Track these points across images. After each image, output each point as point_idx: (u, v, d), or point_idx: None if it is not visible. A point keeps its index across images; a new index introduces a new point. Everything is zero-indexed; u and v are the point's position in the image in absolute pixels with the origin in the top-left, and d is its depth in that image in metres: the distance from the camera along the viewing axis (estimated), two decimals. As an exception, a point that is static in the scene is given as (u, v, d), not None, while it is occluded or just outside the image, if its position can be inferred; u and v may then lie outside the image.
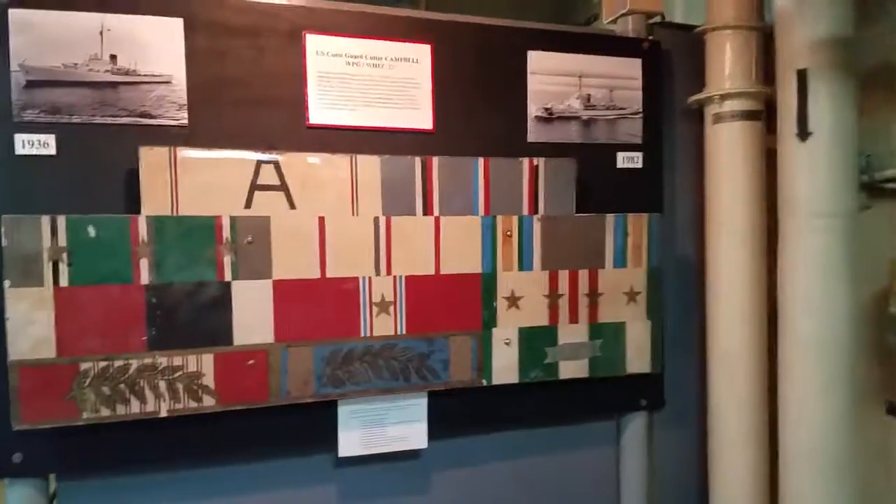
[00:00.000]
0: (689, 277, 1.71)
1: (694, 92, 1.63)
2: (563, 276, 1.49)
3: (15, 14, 1.16)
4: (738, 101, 1.55)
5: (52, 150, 1.19)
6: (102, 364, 1.16)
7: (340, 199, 1.31)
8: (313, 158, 1.30)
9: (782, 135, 1.44)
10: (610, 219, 1.52)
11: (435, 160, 1.38)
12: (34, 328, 1.12)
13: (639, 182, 1.63)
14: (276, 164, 1.27)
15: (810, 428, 1.39)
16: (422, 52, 1.44)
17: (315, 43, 1.36)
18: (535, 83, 1.54)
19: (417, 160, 1.37)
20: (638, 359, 1.56)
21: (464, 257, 1.40)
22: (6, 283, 1.10)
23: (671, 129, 1.69)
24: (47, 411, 1.13)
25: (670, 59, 1.69)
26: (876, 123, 1.50)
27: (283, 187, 1.28)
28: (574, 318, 1.50)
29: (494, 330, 1.43)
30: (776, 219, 1.55)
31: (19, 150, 1.17)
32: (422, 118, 1.44)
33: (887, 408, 1.48)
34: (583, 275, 1.50)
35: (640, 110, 1.62)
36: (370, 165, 1.33)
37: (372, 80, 1.40)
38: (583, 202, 1.51)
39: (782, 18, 1.41)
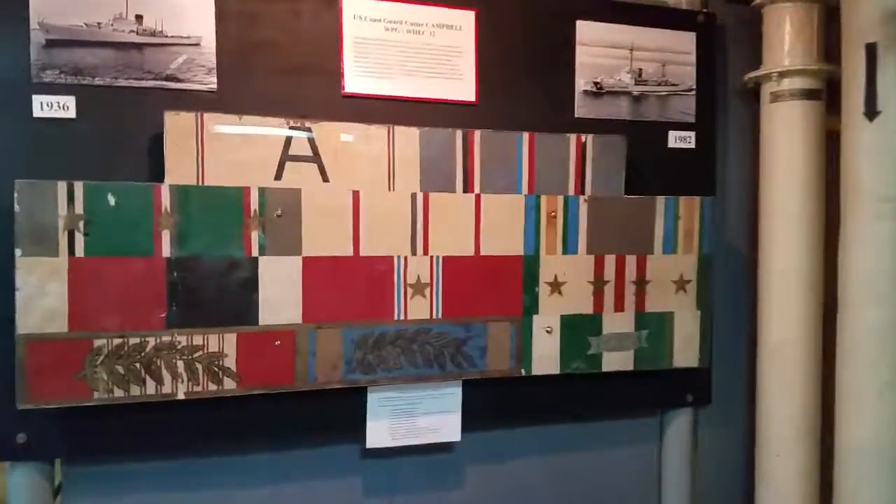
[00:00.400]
0: (740, 265, 1.52)
1: (749, 69, 1.44)
2: (610, 261, 1.31)
3: (33, -34, 1.02)
4: (797, 79, 1.36)
5: (72, 114, 1.05)
6: (117, 341, 1.02)
7: (376, 173, 1.15)
8: (348, 129, 1.14)
9: (847, 114, 1.24)
10: (660, 201, 1.33)
11: (477, 134, 1.21)
12: (46, 300, 0.98)
13: (691, 163, 1.44)
14: (309, 134, 1.11)
15: (872, 425, 1.19)
16: (465, 19, 1.27)
17: (352, 6, 1.20)
18: (583, 55, 1.35)
19: (459, 133, 1.20)
20: (685, 352, 1.38)
21: (505, 238, 1.23)
22: (17, 252, 0.96)
23: (725, 107, 1.50)
24: (56, 390, 0.99)
25: (725, 33, 1.49)
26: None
27: (315, 159, 1.12)
28: (620, 307, 1.32)
29: (535, 317, 1.26)
30: (834, 206, 1.37)
31: (37, 113, 1.03)
32: (464, 89, 1.27)
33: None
34: (630, 260, 1.32)
35: (694, 87, 1.43)
36: (409, 138, 1.17)
37: (412, 48, 1.23)
38: (631, 183, 1.33)
39: (851, -13, 1.21)
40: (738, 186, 1.51)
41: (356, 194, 1.14)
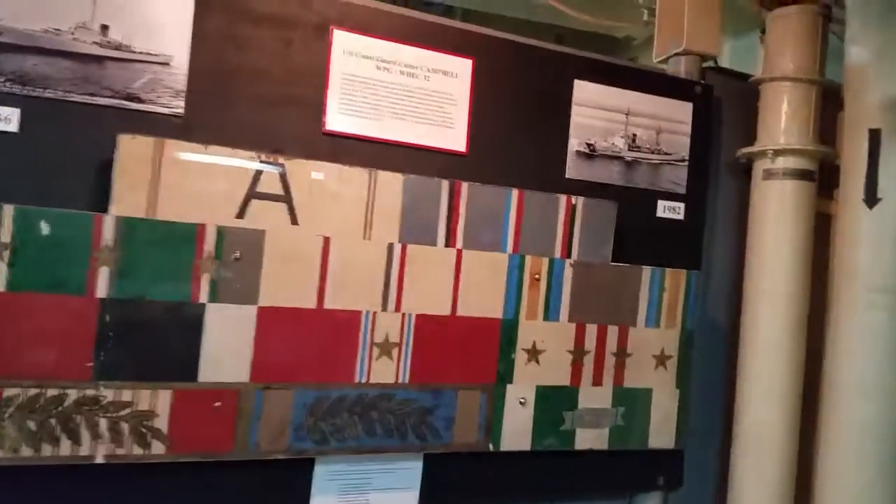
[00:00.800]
0: (719, 344, 1.38)
1: (742, 144, 1.32)
2: (591, 330, 1.16)
3: (-13, -40, 0.85)
4: (792, 159, 1.25)
5: (14, 127, 0.87)
6: (33, 392, 0.82)
7: (352, 219, 0.99)
8: (325, 169, 0.97)
9: (845, 198, 1.13)
10: (647, 272, 1.19)
11: (464, 186, 1.06)
12: (-51, 339, 0.78)
13: (678, 234, 1.31)
14: (282, 171, 0.94)
15: None
16: (462, 67, 1.12)
17: (343, 40, 1.05)
18: (579, 115, 1.22)
19: (445, 184, 1.05)
20: (662, 432, 1.22)
21: (485, 299, 1.08)
22: (-79, 280, 0.77)
23: (716, 181, 1.38)
24: (-51, 446, 0.79)
25: (721, 106, 1.38)
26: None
27: (285, 198, 0.95)
28: (598, 380, 1.17)
29: (509, 386, 1.10)
30: (819, 289, 1.24)
31: (-28, 121, 0.84)
32: (455, 138, 1.12)
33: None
34: (612, 331, 1.18)
35: (687, 157, 1.31)
36: (391, 184, 1.01)
37: (403, 90, 1.09)
38: (617, 251, 1.19)
39: (855, 73, 1.12)
40: (723, 261, 1.38)
41: (327, 240, 0.97)
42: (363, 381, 0.99)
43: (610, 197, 1.20)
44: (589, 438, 1.16)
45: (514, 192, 1.09)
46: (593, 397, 1.16)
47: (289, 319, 0.95)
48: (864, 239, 1.09)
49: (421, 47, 1.09)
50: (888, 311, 1.06)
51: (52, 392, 0.83)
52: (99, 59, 0.91)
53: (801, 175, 1.25)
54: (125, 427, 0.86)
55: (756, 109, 1.32)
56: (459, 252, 1.05)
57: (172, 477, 0.91)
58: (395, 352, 1.01)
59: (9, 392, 0.81)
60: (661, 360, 1.22)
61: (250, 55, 0.99)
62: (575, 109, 1.22)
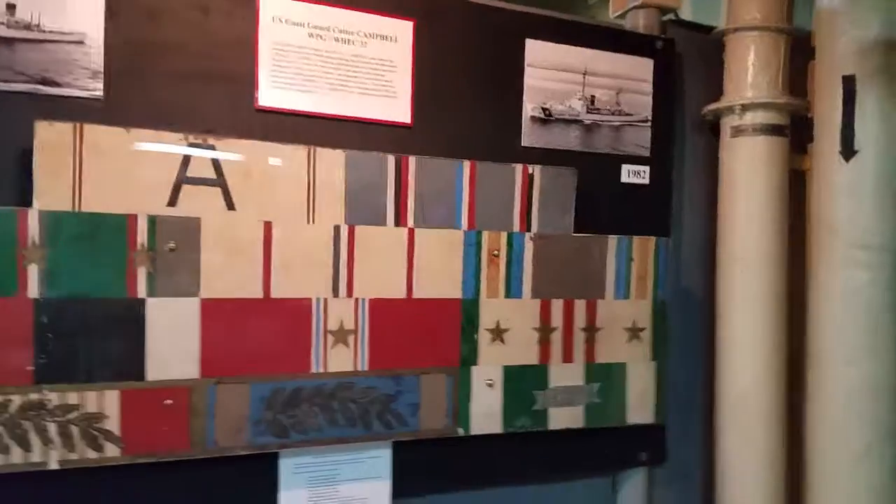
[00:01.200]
0: (695, 313, 1.52)
1: (709, 101, 1.45)
2: (557, 306, 1.28)
3: None
4: (761, 113, 1.38)
5: (-81, 118, 0.94)
6: (-31, 401, 0.91)
7: (293, 202, 1.09)
8: (261, 149, 1.07)
9: (820, 153, 1.27)
10: (613, 241, 1.32)
11: (412, 160, 1.17)
12: None
13: (645, 200, 1.44)
14: (213, 153, 1.04)
15: (846, 497, 1.20)
16: (402, 30, 1.23)
17: (271, 6, 1.14)
18: (532, 77, 1.34)
19: (391, 158, 1.15)
20: (640, 407, 1.36)
21: (441, 279, 1.19)
22: None
23: (682, 141, 1.51)
24: None
25: (684, 61, 1.51)
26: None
27: (219, 182, 1.05)
28: (569, 357, 1.30)
29: (475, 368, 1.22)
30: (796, 250, 1.39)
31: None
32: (398, 109, 1.23)
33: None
34: (579, 305, 1.30)
35: (650, 118, 1.44)
36: (333, 162, 1.11)
37: (339, 58, 1.19)
38: (580, 220, 1.31)
39: (826, 18, 1.25)
40: (693, 226, 1.52)
41: (268, 225, 1.07)
42: (320, 370, 1.10)
43: (570, 164, 1.32)
44: (563, 417, 1.29)
45: (466, 164, 1.21)
46: (565, 375, 1.29)
47: (235, 311, 1.05)
48: (841, 194, 1.21)
49: (356, 10, 1.19)
50: (869, 268, 1.19)
51: (-10, 400, 0.92)
52: (8, 42, 0.99)
53: (772, 130, 1.38)
54: (75, 431, 0.95)
55: (722, 63, 1.45)
56: (411, 231, 1.16)
57: (131, 479, 1.01)
58: (350, 339, 1.12)
59: (-59, 403, 0.90)
60: (634, 332, 1.36)
61: (171, 28, 1.07)
62: (528, 71, 1.34)
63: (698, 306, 1.52)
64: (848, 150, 1.20)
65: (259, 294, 1.06)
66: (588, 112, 1.39)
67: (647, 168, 1.44)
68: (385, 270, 1.15)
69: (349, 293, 1.12)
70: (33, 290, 0.94)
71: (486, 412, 1.22)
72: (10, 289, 0.93)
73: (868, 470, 1.19)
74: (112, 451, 0.97)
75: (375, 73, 1.21)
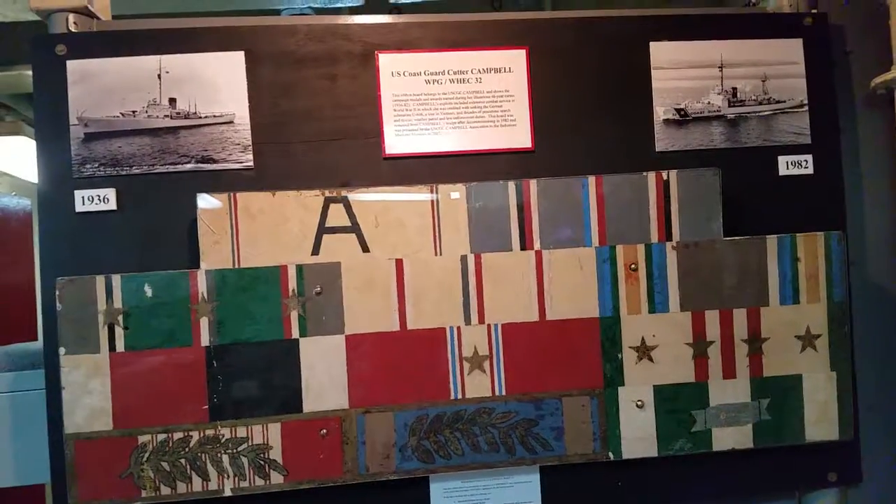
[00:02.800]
0: (889, 313, 1.34)
1: (876, 72, 1.29)
2: (712, 317, 1.22)
3: (73, 65, 1.16)
4: None
5: (113, 205, 1.16)
6: (161, 437, 1.09)
7: (420, 238, 1.16)
8: (386, 192, 1.16)
9: None
10: (772, 241, 1.23)
11: (532, 183, 1.19)
12: (90, 398, 1.07)
13: (810, 192, 1.32)
14: (346, 202, 1.15)
15: None
16: (516, 59, 1.27)
17: (389, 62, 1.24)
18: (661, 80, 1.30)
19: (511, 185, 1.19)
20: (821, 422, 1.23)
21: (575, 299, 1.19)
22: (61, 351, 1.07)
23: (851, 121, 1.36)
24: (104, 489, 1.07)
25: (841, 34, 1.37)
26: None
27: (353, 228, 1.15)
28: (730, 373, 1.22)
29: (621, 389, 1.19)
30: None
31: (80, 208, 1.15)
32: (519, 136, 1.26)
33: None
34: (739, 315, 1.22)
35: (805, 101, 1.32)
36: (453, 195, 1.17)
37: (457, 98, 1.25)
38: (734, 223, 1.24)
39: None
40: (878, 216, 1.36)
41: (399, 262, 1.15)
42: (458, 397, 1.16)
43: (715, 163, 1.25)
44: (729, 437, 1.21)
45: (591, 180, 1.20)
46: (727, 392, 1.22)
47: (376, 344, 1.14)
48: None
49: (468, 49, 1.25)
50: None
51: (177, 435, 1.09)
52: (173, 130, 1.19)
53: None
54: (244, 461, 1.10)
55: (888, 28, 1.30)
56: (539, 254, 1.18)
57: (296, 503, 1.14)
58: (486, 364, 1.16)
59: (142, 439, 1.08)
60: (808, 340, 1.24)
61: (303, 98, 1.21)
62: (655, 74, 1.30)
63: (891, 306, 1.34)
64: None
65: (396, 327, 1.15)
66: (730, 105, 1.32)
67: (808, 157, 1.32)
68: (515, 295, 1.18)
69: (480, 320, 1.16)
70: (205, 338, 1.10)
71: (639, 435, 1.19)
72: (187, 340, 1.10)
73: None
74: (276, 478, 1.11)
75: (493, 105, 1.26)
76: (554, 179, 1.20)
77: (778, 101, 1.32)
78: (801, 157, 1.32)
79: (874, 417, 1.31)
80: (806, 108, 1.32)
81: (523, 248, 1.18)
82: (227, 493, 1.10)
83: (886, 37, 1.29)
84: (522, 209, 1.18)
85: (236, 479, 1.10)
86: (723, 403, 1.22)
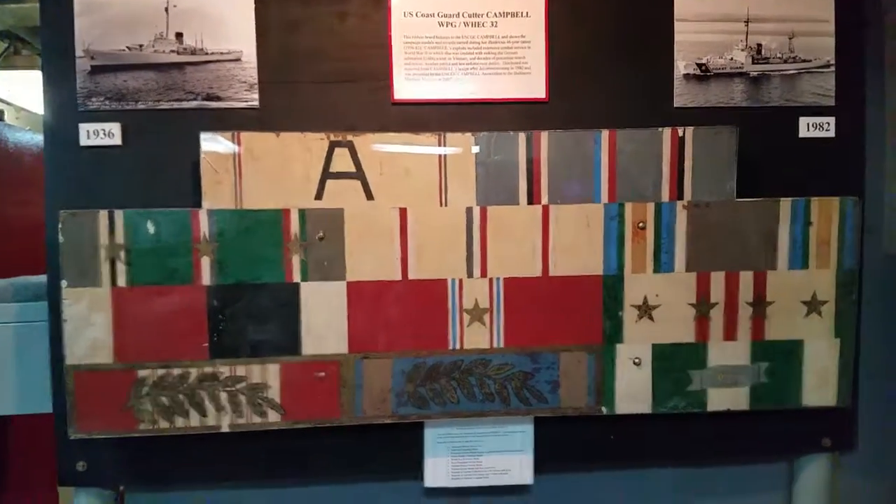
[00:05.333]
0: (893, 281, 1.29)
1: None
2: (717, 279, 1.17)
3: (79, -6, 1.10)
4: None
5: (118, 140, 1.12)
6: (161, 372, 1.08)
7: (426, 187, 1.12)
8: (393, 140, 1.11)
9: None
10: (786, 204, 1.17)
11: (544, 135, 1.13)
12: (91, 331, 1.06)
13: (831, 155, 1.25)
14: (351, 147, 1.10)
15: None
16: (533, 3, 1.18)
17: (401, 2, 1.16)
18: (684, 32, 1.22)
19: (522, 136, 1.13)
20: (820, 388, 1.20)
21: (580, 255, 1.14)
22: (63, 283, 1.05)
23: (879, 84, 1.27)
24: (103, 421, 1.07)
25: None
26: None
27: (358, 174, 1.10)
28: (731, 335, 1.18)
29: (619, 346, 1.16)
30: None
31: (84, 141, 1.11)
32: (533, 85, 1.19)
33: None
34: (745, 277, 1.18)
35: (832, 62, 1.23)
36: (461, 145, 1.12)
37: (470, 42, 1.18)
38: (750, 184, 1.18)
39: None
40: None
41: (403, 211, 1.11)
42: (457, 347, 1.13)
43: (734, 122, 1.18)
44: (724, 398, 1.19)
45: (605, 134, 1.14)
46: (727, 354, 1.18)
47: (377, 292, 1.11)
48: None
49: (484, -8, 1.18)
50: None
51: (176, 371, 1.08)
52: (179, 66, 1.13)
53: None
54: (243, 399, 1.09)
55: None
56: (546, 209, 1.13)
57: (289, 442, 1.14)
58: (486, 317, 1.13)
59: (142, 373, 1.07)
60: (814, 306, 1.19)
61: (312, 37, 1.15)
62: (678, 27, 1.22)
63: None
64: None
65: (398, 276, 1.11)
66: (754, 63, 1.23)
67: (831, 119, 1.24)
68: (519, 249, 1.13)
69: (483, 273, 1.13)
70: (206, 278, 1.08)
71: (634, 392, 1.16)
72: (188, 278, 1.07)
73: None
74: (274, 416, 1.10)
75: (508, 52, 1.19)
76: (566, 132, 1.14)
77: (804, 60, 1.24)
78: (824, 119, 1.24)
79: (872, 385, 1.28)
80: (832, 68, 1.24)
81: (531, 202, 1.13)
82: (225, 428, 1.10)
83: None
84: (532, 162, 1.13)
85: (234, 415, 1.09)
86: (721, 364, 1.18)
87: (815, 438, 1.26)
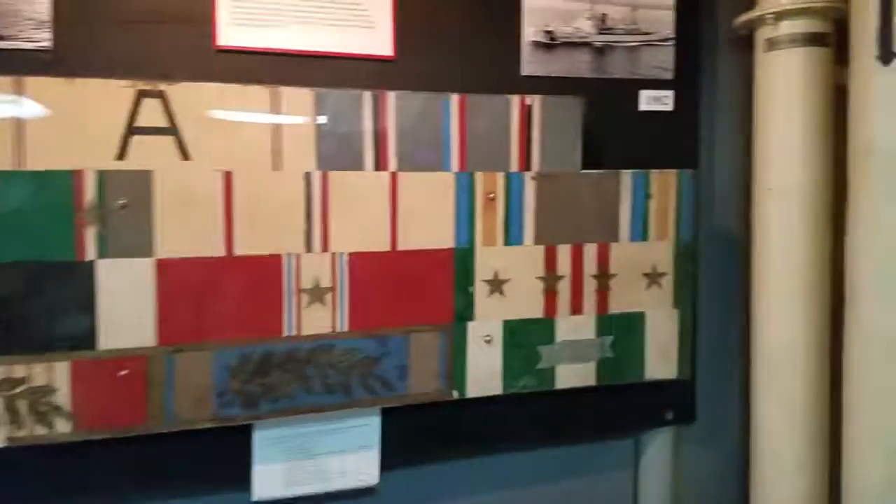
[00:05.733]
0: (732, 254, 1.34)
1: (742, 12, 1.23)
2: (564, 251, 1.13)
3: None
4: (799, 21, 1.16)
5: None
6: None
7: (256, 149, 0.96)
8: (216, 91, 0.94)
9: (857, 59, 1.05)
10: (626, 176, 1.16)
11: (391, 96, 1.02)
12: None
13: (669, 129, 1.25)
14: (164, 98, 0.92)
15: (883, 459, 1.02)
16: (376, -49, 1.06)
17: (225, -68, 0.99)
18: (533, -3, 1.16)
19: (367, 95, 1.01)
20: (662, 361, 1.20)
21: (430, 228, 1.05)
22: None
23: (712, 61, 1.30)
24: None
25: (711, -31, 1.29)
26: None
27: (172, 130, 0.92)
28: (578, 308, 1.14)
29: (471, 324, 1.08)
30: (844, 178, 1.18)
31: None
32: (378, 41, 1.07)
33: None
34: (590, 250, 1.15)
35: (672, 35, 1.24)
36: (300, 102, 0.98)
37: (308, -13, 1.03)
38: (592, 156, 1.14)
39: None
40: (728, 157, 1.33)
41: (228, 175, 0.94)
42: (293, 333, 0.99)
43: (580, 92, 1.14)
44: (572, 375, 1.15)
45: (454, 98, 1.05)
46: (574, 328, 1.15)
47: (194, 271, 0.93)
48: (880, 104, 1.01)
49: (324, -69, 1.04)
50: None
51: (-69, 375, 0.84)
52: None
53: (812, 40, 1.16)
54: (22, 405, 0.87)
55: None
56: (394, 175, 1.02)
57: (86, 455, 0.93)
58: (328, 297, 1.00)
59: None
60: (654, 278, 1.19)
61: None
62: (527, -10, 1.16)
63: (734, 247, 1.33)
64: (887, 53, 0.99)
65: (221, 252, 0.95)
66: (599, 33, 1.20)
67: (670, 93, 1.25)
68: (365, 221, 1.02)
69: (324, 247, 0.99)
70: (-29, 255, 0.85)
71: (485, 372, 1.09)
72: (-55, 256, 0.84)
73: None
74: (63, 426, 0.89)
75: (350, 2, 1.05)
76: (415, 94, 1.03)
77: (646, 33, 1.23)
78: (663, 93, 1.25)
79: (711, 357, 1.31)
80: (672, 42, 1.24)
81: (377, 168, 1.01)
82: (2, 443, 0.87)
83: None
84: (378, 124, 1.01)
85: (12, 427, 0.87)
86: (568, 339, 1.14)
87: (658, 412, 1.26)
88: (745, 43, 1.26)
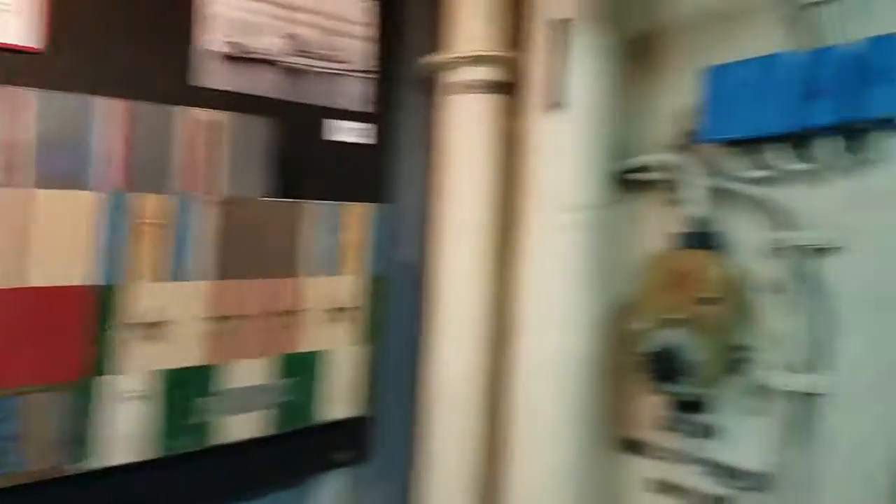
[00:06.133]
0: (414, 291, 1.31)
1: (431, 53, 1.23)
2: (240, 287, 1.02)
3: None
4: (477, 69, 1.18)
5: None
6: None
7: None
8: None
9: (531, 106, 1.11)
10: (317, 208, 1.08)
11: (31, 95, 0.79)
12: None
13: (363, 161, 1.20)
14: None
15: (540, 470, 1.07)
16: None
17: None
18: (220, 3, 1.01)
19: (-2, 91, 0.77)
20: (343, 400, 1.14)
21: (63, 259, 0.85)
22: None
23: (409, 98, 1.28)
24: None
25: (409, 6, 1.27)
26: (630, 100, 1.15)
27: None
28: (253, 351, 1.02)
29: (113, 377, 0.89)
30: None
31: None
32: (19, 27, 0.83)
33: (623, 445, 1.19)
34: (270, 286, 1.04)
35: (367, 68, 1.19)
36: None
37: None
38: (281, 184, 1.06)
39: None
40: (417, 193, 1.31)
41: None
42: None
43: (269, 114, 1.04)
44: (241, 426, 1.02)
45: (103, 103, 0.86)
46: (245, 374, 1.02)
47: None
48: (548, 151, 1.07)
49: None
50: (577, 230, 1.05)
51: None
52: None
53: (491, 87, 1.18)
54: None
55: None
56: (27, 194, 0.80)
57: None
58: None
59: None
60: (342, 314, 1.13)
61: None
62: (217, -6, 1.01)
63: (416, 283, 1.31)
64: (555, 102, 1.04)
65: None
66: (292, 54, 1.10)
67: (361, 125, 1.19)
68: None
69: None
70: None
71: (129, 434, 0.91)
72: None
73: (555, 447, 1.06)
74: None
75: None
76: (57, 94, 0.83)
77: (339, 62, 1.16)
78: (354, 125, 1.19)
79: (395, 393, 1.26)
80: (365, 74, 1.19)
81: (7, 182, 0.78)
82: None
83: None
84: (12, 130, 0.78)
85: None
86: (237, 387, 1.02)
87: (331, 455, 1.18)
88: (429, 82, 1.26)
